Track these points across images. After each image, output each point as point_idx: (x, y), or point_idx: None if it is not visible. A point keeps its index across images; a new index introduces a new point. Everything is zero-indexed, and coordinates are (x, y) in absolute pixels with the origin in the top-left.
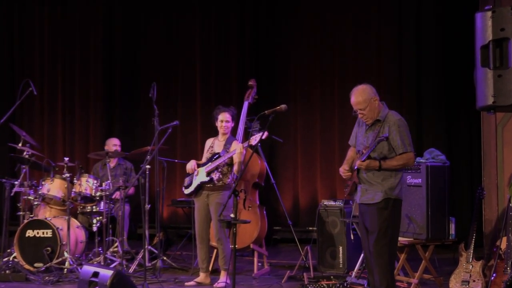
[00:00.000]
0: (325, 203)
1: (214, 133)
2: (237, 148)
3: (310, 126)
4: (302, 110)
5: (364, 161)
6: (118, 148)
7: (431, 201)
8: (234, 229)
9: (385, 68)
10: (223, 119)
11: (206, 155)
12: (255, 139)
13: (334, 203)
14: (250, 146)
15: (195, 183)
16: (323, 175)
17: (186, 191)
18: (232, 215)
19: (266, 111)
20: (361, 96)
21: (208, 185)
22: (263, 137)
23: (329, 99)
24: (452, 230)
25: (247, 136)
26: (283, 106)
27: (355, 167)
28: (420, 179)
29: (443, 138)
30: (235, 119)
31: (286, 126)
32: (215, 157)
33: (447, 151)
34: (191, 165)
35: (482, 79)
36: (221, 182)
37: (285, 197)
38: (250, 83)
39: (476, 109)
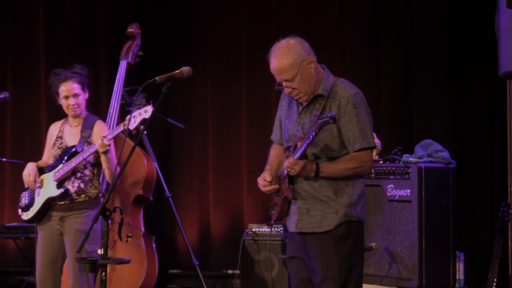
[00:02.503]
0: (254, 229)
1: (64, 113)
2: (99, 140)
3: (230, 105)
4: (216, 78)
5: (298, 159)
6: None
7: (426, 225)
8: (104, 273)
9: (351, 8)
10: (68, 93)
11: (52, 152)
12: (134, 121)
13: (269, 229)
14: (129, 134)
15: (39, 201)
16: (253, 183)
17: (25, 216)
18: (100, 251)
19: (157, 78)
20: (285, 58)
21: (61, 203)
22: (147, 116)
23: (262, 63)
24: (461, 273)
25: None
26: (185, 69)
27: (285, 173)
28: (408, 190)
29: (446, 124)
30: (90, 87)
31: (191, 104)
32: (68, 155)
33: (453, 144)
34: (29, 172)
35: (508, 30)
36: (83, 196)
37: (188, 221)
38: (130, 30)
39: (498, 77)
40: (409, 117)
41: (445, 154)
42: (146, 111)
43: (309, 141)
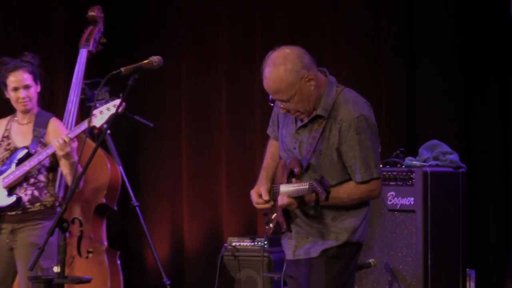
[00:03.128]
0: (234, 244)
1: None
2: (55, 141)
3: (208, 101)
4: (191, 70)
5: (292, 199)
6: None
7: (432, 239)
8: None
9: None
10: (18, 84)
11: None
12: (101, 118)
13: (252, 244)
14: (90, 134)
15: None
16: (233, 191)
17: None
18: (56, 268)
19: (122, 69)
20: (281, 77)
21: (12, 213)
22: (118, 111)
23: (244, 54)
24: None
25: (86, 114)
26: (154, 59)
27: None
28: (412, 198)
29: (454, 123)
30: (43, 79)
31: (162, 99)
32: (19, 158)
33: (463, 146)
34: None
35: None
36: (37, 204)
37: (158, 234)
38: (91, 13)
39: None
40: (413, 115)
41: (454, 156)
42: (115, 106)
43: (300, 195)
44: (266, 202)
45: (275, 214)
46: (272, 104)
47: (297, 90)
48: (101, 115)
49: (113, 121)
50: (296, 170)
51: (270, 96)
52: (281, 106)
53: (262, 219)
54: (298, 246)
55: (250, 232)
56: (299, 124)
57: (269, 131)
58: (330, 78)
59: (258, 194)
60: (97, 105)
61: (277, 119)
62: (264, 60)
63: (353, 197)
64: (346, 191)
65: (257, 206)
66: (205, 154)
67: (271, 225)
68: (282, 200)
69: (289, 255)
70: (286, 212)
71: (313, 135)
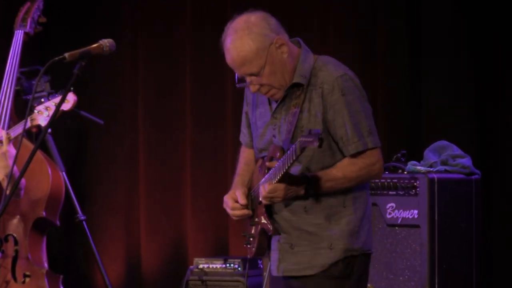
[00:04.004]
0: (201, 266)
1: None
2: None
3: (169, 94)
4: (150, 58)
5: (276, 185)
6: None
7: (440, 259)
8: None
9: None
10: None
11: None
12: (47, 115)
13: (223, 266)
14: (27, 133)
15: None
16: (200, 201)
17: None
18: None
19: (66, 54)
20: (246, 44)
21: None
22: (67, 109)
23: (212, 39)
24: None
25: (22, 108)
26: (105, 42)
27: (260, 199)
28: (415, 211)
29: (465, 121)
30: None
31: (115, 92)
32: None
33: (476, 148)
34: None
35: None
36: None
37: (110, 253)
38: None
39: None
40: (416, 112)
41: (466, 161)
42: (66, 101)
43: (287, 167)
44: (244, 207)
45: (254, 227)
46: (239, 86)
47: (267, 58)
48: (47, 112)
49: (57, 119)
50: (278, 154)
51: (236, 75)
52: (250, 81)
53: (235, 236)
54: (283, 260)
55: (221, 252)
56: (274, 106)
57: (241, 137)
58: (305, 47)
59: (234, 199)
60: (44, 99)
61: (246, 119)
62: (223, 33)
63: (351, 176)
64: (341, 169)
65: (232, 213)
66: (167, 157)
67: (252, 245)
68: (263, 191)
69: (272, 271)
70: (270, 213)
71: (292, 112)
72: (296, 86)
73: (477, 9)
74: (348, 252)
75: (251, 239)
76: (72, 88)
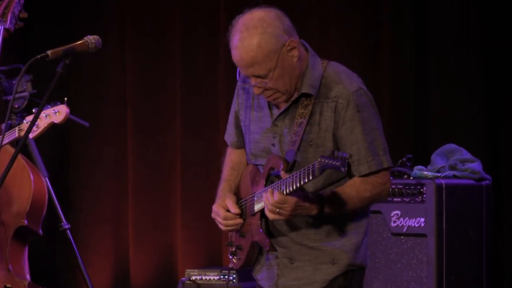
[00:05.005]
0: (194, 277)
1: None
2: None
3: (159, 94)
4: (139, 56)
5: (287, 196)
6: None
7: (448, 270)
8: None
9: None
10: None
11: None
12: (36, 129)
13: (217, 277)
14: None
15: None
16: (190, 209)
17: None
18: None
19: (49, 52)
20: (258, 44)
21: None
22: (58, 121)
23: (204, 36)
24: None
25: (2, 110)
26: (90, 39)
27: (254, 208)
28: (422, 219)
29: (475, 123)
30: None
31: (101, 92)
32: None
33: (487, 152)
34: None
35: None
36: None
37: (96, 264)
38: None
39: None
40: (423, 114)
41: (476, 165)
42: (58, 113)
43: (301, 183)
44: (236, 216)
45: (244, 238)
46: (241, 84)
47: (278, 61)
48: (37, 122)
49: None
50: (281, 165)
51: (239, 74)
52: (255, 84)
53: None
54: (282, 276)
55: (213, 262)
56: (276, 113)
57: (226, 137)
58: (312, 51)
59: (225, 209)
60: (34, 110)
61: (235, 118)
62: (230, 28)
63: (364, 195)
64: (354, 187)
65: (225, 223)
66: (156, 163)
67: (239, 256)
68: (270, 199)
69: (268, 286)
70: (267, 227)
71: (299, 122)
72: (304, 95)
73: (487, 3)
74: (349, 267)
75: (239, 250)
76: (66, 99)
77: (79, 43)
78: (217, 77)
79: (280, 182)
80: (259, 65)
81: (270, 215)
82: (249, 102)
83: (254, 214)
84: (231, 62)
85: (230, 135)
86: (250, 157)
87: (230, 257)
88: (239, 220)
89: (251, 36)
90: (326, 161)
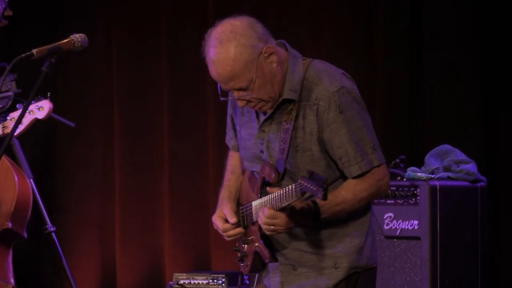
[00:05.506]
0: (182, 281)
1: None
2: None
3: (146, 94)
4: (126, 55)
5: (277, 212)
6: None
7: (443, 274)
8: None
9: None
10: None
11: None
12: (20, 125)
13: (206, 281)
14: None
15: None
16: (178, 212)
17: None
18: None
19: (34, 50)
20: (234, 57)
21: None
22: (41, 117)
23: (192, 35)
24: None
25: None
26: (76, 38)
27: (253, 217)
28: (416, 221)
29: (470, 123)
30: None
31: (87, 92)
32: None
33: (482, 153)
34: None
35: None
36: None
37: (82, 267)
38: None
39: None
40: (417, 114)
41: (471, 166)
42: (41, 109)
43: (285, 204)
44: (236, 226)
45: (248, 245)
46: (223, 99)
47: (257, 71)
48: (23, 118)
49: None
50: (273, 176)
51: (220, 88)
52: (238, 97)
53: (218, 249)
54: (286, 283)
55: (202, 266)
56: (262, 118)
57: (227, 140)
58: (292, 51)
59: (223, 219)
60: (18, 106)
61: (232, 122)
62: (204, 42)
63: (361, 195)
64: (350, 189)
65: (226, 234)
66: (143, 164)
67: (246, 263)
68: (262, 215)
69: None
70: (266, 236)
71: (284, 128)
72: (286, 102)
73: (483, 1)
74: (352, 270)
75: (245, 257)
76: (49, 94)
77: (65, 42)
78: (206, 76)
79: (271, 197)
80: (238, 78)
81: (266, 232)
82: (237, 111)
83: (254, 223)
84: None
85: (230, 138)
86: (244, 162)
87: (239, 263)
88: (239, 230)
89: (225, 51)
90: (306, 185)
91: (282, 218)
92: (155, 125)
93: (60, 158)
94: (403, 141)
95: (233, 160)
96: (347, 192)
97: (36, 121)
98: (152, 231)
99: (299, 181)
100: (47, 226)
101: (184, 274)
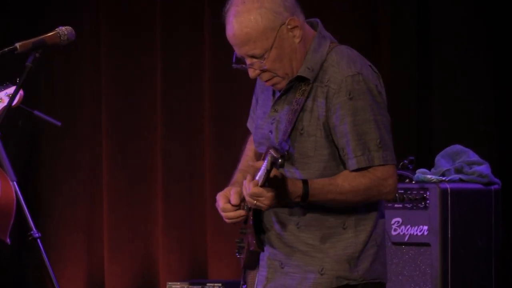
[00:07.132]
0: None
1: None
2: None
3: (137, 90)
4: (115, 48)
5: (264, 185)
6: None
7: (454, 282)
8: None
9: None
10: None
11: None
12: None
13: None
14: None
15: None
16: (172, 216)
17: None
18: None
19: (17, 44)
20: (253, 19)
21: None
22: (13, 103)
23: (187, 30)
24: None
25: None
26: (62, 30)
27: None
28: (425, 227)
29: (483, 122)
30: None
31: (74, 88)
32: None
33: (496, 154)
34: None
35: None
36: None
37: (69, 275)
38: None
39: None
40: (426, 113)
41: (484, 168)
42: (9, 95)
43: (266, 177)
44: (237, 208)
45: (245, 236)
46: (236, 66)
47: (276, 40)
48: None
49: (5, 118)
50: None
51: (235, 53)
52: (249, 65)
53: (215, 257)
54: (271, 279)
55: (198, 274)
56: (277, 95)
57: (249, 123)
58: (323, 31)
59: (227, 198)
60: None
61: (256, 102)
62: (226, 3)
63: (358, 187)
64: (347, 178)
65: (225, 215)
66: (134, 166)
67: (242, 255)
68: (247, 189)
69: None
70: (259, 221)
71: (293, 109)
72: (301, 80)
73: None
74: (342, 281)
75: (241, 248)
76: (18, 80)
77: (50, 35)
78: (201, 74)
79: (259, 172)
80: (254, 43)
81: (249, 205)
82: (261, 91)
83: (249, 209)
84: (218, 58)
85: (253, 121)
86: (255, 144)
87: (238, 255)
88: (240, 212)
89: (246, 11)
90: (273, 153)
91: (265, 196)
92: (147, 124)
93: (46, 159)
94: (411, 141)
95: (251, 145)
96: (343, 182)
97: (7, 110)
98: (144, 237)
99: (269, 150)
100: (32, 232)
101: (179, 283)
